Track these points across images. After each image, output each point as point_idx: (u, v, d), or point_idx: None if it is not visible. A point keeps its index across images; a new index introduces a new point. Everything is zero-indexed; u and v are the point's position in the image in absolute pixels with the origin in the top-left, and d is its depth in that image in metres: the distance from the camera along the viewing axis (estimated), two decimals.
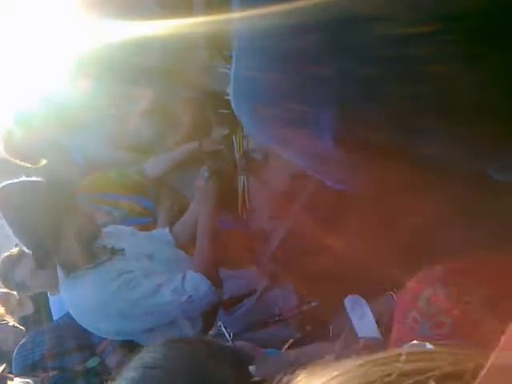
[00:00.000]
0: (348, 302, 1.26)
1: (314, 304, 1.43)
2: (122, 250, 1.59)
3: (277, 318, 1.42)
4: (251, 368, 0.75)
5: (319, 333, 1.35)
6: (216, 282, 1.47)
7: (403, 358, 0.28)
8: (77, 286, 1.47)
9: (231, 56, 1.98)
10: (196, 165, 2.38)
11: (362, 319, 1.16)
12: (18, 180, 1.57)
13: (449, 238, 1.02)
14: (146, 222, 2.15)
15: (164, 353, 0.68)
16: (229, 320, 1.60)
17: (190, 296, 1.42)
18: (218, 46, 2.14)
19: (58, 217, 1.45)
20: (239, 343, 1.22)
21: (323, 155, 0.70)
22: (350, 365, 0.29)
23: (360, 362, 0.29)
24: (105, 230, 1.62)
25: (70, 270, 1.49)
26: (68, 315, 1.86)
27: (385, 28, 0.51)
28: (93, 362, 1.78)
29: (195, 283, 1.44)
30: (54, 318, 2.13)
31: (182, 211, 2.16)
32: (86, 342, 1.78)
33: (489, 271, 0.68)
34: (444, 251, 0.96)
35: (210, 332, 1.40)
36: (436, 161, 0.71)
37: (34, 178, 1.61)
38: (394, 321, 0.74)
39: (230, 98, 0.67)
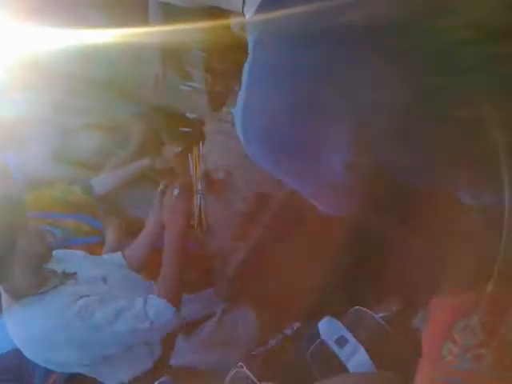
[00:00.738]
0: (322, 326, 1.24)
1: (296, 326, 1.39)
2: (74, 273, 1.50)
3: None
4: None
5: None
6: (178, 307, 1.41)
7: None
8: (26, 314, 1.35)
9: (187, 71, 1.94)
10: (144, 182, 2.33)
11: (352, 355, 1.13)
12: None
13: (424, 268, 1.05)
14: (94, 242, 2.05)
15: None
16: (188, 344, 1.56)
17: (152, 322, 1.35)
18: (174, 60, 2.11)
19: (7, 237, 1.34)
20: None
21: (327, 182, 0.70)
22: None
23: None
24: (53, 253, 1.51)
25: (18, 295, 1.37)
26: (8, 354, 1.73)
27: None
28: None
29: (158, 309, 1.37)
30: None
31: (129, 230, 2.08)
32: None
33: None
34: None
35: (231, 372, 1.29)
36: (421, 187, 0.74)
37: None
38: (423, 354, 0.73)
39: (238, 126, 0.66)
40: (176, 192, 1.49)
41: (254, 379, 1.17)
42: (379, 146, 0.65)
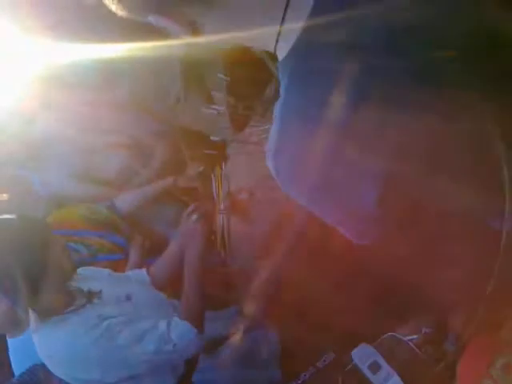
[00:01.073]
0: (356, 354, 1.24)
1: (328, 359, 1.39)
2: (99, 292, 1.53)
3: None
4: None
5: None
6: (202, 329, 1.43)
7: None
8: (54, 332, 1.38)
9: (211, 94, 1.98)
10: (167, 200, 2.37)
11: (386, 380, 1.14)
12: None
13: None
14: (117, 259, 2.09)
15: None
16: (210, 363, 1.57)
17: (175, 344, 1.37)
18: (197, 81, 2.15)
19: (34, 255, 1.37)
20: None
21: (357, 211, 0.72)
22: None
23: None
24: (79, 271, 1.55)
25: (46, 315, 1.40)
26: (32, 370, 1.76)
27: None
28: None
29: (181, 331, 1.39)
30: (13, 361, 1.99)
31: (153, 247, 2.12)
32: None
33: None
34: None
35: None
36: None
37: (3, 216, 1.51)
38: None
39: (269, 159, 0.68)
40: (194, 217, 1.52)
41: None
42: (411, 180, 0.67)
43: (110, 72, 2.34)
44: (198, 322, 1.42)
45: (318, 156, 0.64)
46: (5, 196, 2.23)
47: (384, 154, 0.62)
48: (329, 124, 0.61)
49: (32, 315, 1.46)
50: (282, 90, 0.66)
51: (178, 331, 1.38)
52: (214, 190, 1.88)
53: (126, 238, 2.17)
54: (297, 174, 0.68)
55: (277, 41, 0.66)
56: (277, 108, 0.67)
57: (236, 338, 1.62)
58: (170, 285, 1.72)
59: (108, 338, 1.35)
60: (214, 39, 0.74)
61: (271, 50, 0.68)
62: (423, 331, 1.19)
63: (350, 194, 0.68)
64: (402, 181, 0.67)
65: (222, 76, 1.67)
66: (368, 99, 0.59)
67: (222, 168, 1.91)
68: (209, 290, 1.53)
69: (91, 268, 1.69)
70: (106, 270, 1.70)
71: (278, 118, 0.66)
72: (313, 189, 0.68)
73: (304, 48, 0.63)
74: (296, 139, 0.65)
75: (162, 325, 1.40)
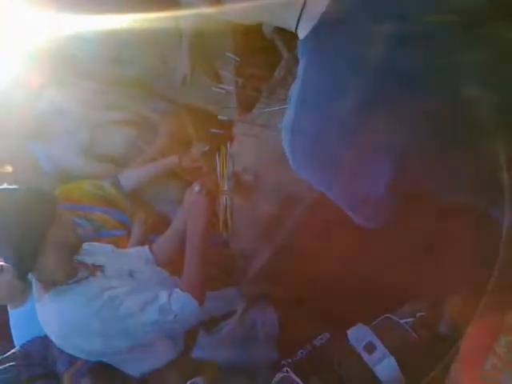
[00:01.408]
0: (352, 334, 1.26)
1: (325, 338, 1.40)
2: (102, 266, 1.55)
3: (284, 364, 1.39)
4: None
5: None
6: (202, 300, 1.45)
7: None
8: (57, 302, 1.40)
9: (219, 74, 1.96)
10: (171, 179, 2.37)
11: (380, 360, 1.15)
12: None
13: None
14: (120, 235, 2.10)
15: None
16: (209, 341, 1.59)
17: (176, 315, 1.39)
18: (205, 60, 2.13)
19: (40, 227, 1.38)
20: None
21: (368, 198, 0.73)
22: None
23: None
24: (83, 246, 1.56)
25: (50, 284, 1.42)
26: (34, 341, 1.78)
27: None
28: None
29: (182, 302, 1.41)
30: (14, 334, 2.02)
31: (155, 225, 2.13)
32: (52, 370, 1.71)
33: None
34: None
35: (277, 376, 1.31)
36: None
37: (10, 186, 1.51)
38: (463, 370, 0.75)
39: (285, 140, 0.68)
40: (197, 189, 1.51)
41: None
42: (422, 170, 0.68)
43: (116, 45, 2.33)
44: (198, 294, 1.43)
45: (334, 138, 0.64)
46: (10, 169, 2.24)
47: (399, 136, 0.62)
48: (346, 106, 0.61)
49: (36, 285, 1.48)
50: (299, 70, 0.65)
51: (180, 302, 1.40)
52: (218, 170, 1.89)
53: (129, 214, 2.18)
54: (311, 155, 0.68)
55: (298, 20, 0.66)
56: (294, 87, 0.66)
57: (235, 317, 1.64)
58: (173, 262, 1.74)
59: (109, 308, 1.37)
60: (232, 12, 0.73)
61: (292, 29, 0.68)
62: (418, 314, 1.21)
63: (363, 177, 0.68)
64: (416, 166, 0.67)
65: (231, 55, 1.65)
66: (386, 82, 0.59)
67: (227, 148, 1.90)
68: (210, 270, 1.54)
69: (95, 244, 1.70)
70: (110, 246, 1.71)
71: (295, 97, 0.65)
72: (326, 170, 0.68)
73: (325, 29, 0.62)
74: (313, 119, 0.65)
75: (164, 296, 1.42)
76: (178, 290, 1.44)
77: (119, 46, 2.33)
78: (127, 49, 2.36)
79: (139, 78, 2.45)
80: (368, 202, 0.74)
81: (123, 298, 1.40)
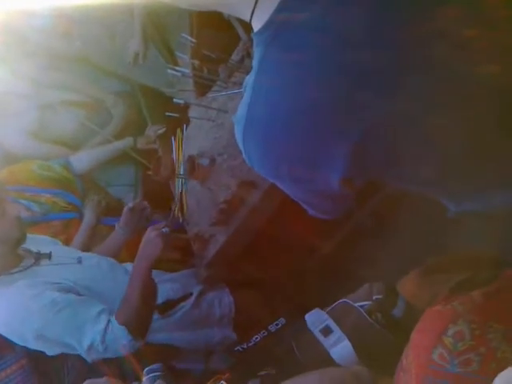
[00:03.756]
0: (309, 319, 1.28)
1: (280, 323, 1.42)
2: (49, 253, 1.51)
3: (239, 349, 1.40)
4: None
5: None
6: (140, 334, 1.36)
7: None
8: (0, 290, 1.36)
9: (175, 56, 1.92)
10: (125, 161, 2.33)
11: (336, 343, 1.19)
12: None
13: None
14: (70, 218, 2.06)
15: None
16: (164, 324, 1.60)
17: (107, 347, 1.31)
18: (159, 40, 2.07)
19: None
20: None
21: (321, 192, 0.74)
22: None
23: None
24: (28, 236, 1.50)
25: None
26: None
27: None
28: None
29: (115, 336, 1.31)
30: None
31: (109, 208, 2.10)
32: None
33: (501, 306, 0.75)
34: None
35: None
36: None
37: None
38: (412, 356, 0.79)
39: (238, 132, 0.68)
40: (164, 230, 1.43)
41: None
42: (376, 166, 0.69)
43: (65, 20, 2.24)
44: (136, 330, 1.34)
45: (288, 134, 0.64)
46: None
47: (352, 141, 0.63)
48: (300, 102, 0.61)
49: None
50: (254, 63, 0.65)
51: (113, 335, 1.32)
52: (173, 154, 1.87)
53: (81, 197, 2.13)
54: (264, 151, 0.67)
55: (253, 11, 0.65)
56: (248, 80, 0.66)
57: (191, 300, 1.65)
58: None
59: (49, 310, 1.31)
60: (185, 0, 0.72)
61: (247, 19, 0.67)
62: (374, 298, 1.25)
63: (314, 174, 0.68)
64: (367, 169, 0.68)
65: (186, 36, 1.62)
66: (346, 76, 0.60)
67: (183, 131, 1.89)
68: (166, 253, 1.53)
69: (35, 236, 1.66)
70: (52, 240, 1.72)
71: (249, 90, 0.65)
72: (279, 167, 0.68)
73: (281, 21, 0.61)
74: (266, 115, 0.64)
75: (102, 322, 1.33)
76: (115, 320, 1.34)
77: (68, 20, 2.24)
78: (76, 23, 2.27)
79: (89, 55, 2.37)
80: (320, 195, 0.75)
81: (65, 306, 1.33)
